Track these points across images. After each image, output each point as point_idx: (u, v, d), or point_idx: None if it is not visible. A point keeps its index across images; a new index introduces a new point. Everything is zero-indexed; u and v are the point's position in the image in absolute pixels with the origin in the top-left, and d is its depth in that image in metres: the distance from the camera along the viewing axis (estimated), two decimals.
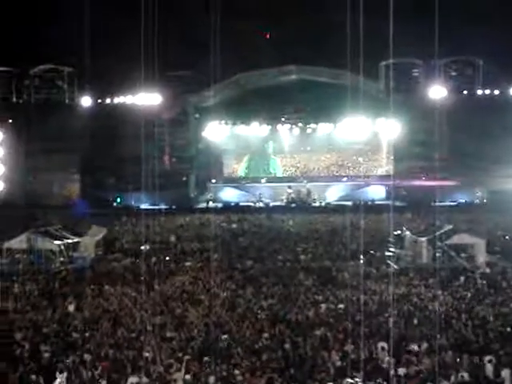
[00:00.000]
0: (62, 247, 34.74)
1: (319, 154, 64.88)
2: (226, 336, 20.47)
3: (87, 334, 21.10)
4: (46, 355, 19.24)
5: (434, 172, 54.68)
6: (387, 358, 18.15)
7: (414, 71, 60.18)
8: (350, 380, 16.41)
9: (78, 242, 36.05)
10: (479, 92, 59.30)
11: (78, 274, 31.13)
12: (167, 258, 34.19)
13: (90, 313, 23.69)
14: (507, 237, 38.40)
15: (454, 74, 59.58)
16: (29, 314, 23.94)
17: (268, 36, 63.29)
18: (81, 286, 28.21)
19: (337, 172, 64.48)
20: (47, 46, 57.58)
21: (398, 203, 55.49)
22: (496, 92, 58.87)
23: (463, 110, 56.33)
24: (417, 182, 58.22)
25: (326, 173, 64.90)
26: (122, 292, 26.89)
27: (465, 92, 59.38)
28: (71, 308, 24.57)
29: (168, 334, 20.97)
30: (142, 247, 35.98)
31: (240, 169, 65.61)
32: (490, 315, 22.69)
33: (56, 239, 35.02)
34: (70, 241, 35.73)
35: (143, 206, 55.81)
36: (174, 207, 56.07)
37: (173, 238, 40.83)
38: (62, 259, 34.32)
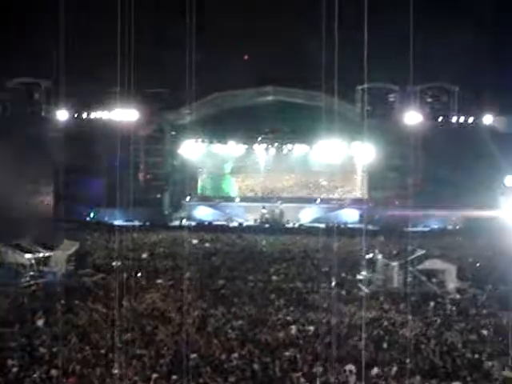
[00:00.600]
0: (33, 261, 34.39)
1: (294, 175, 65.10)
2: (195, 355, 20.41)
3: (55, 349, 20.92)
4: (14, 370, 19.07)
5: (408, 197, 55.06)
6: (355, 382, 18.21)
7: (390, 96, 60.59)
8: None
9: (49, 256, 35.68)
10: (454, 119, 59.86)
11: (48, 289, 30.92)
12: (139, 275, 34.01)
13: (59, 328, 23.50)
14: (478, 264, 38.68)
15: (429, 100, 60.08)
16: None
17: (246, 57, 63.63)
18: (50, 300, 27.98)
19: (311, 194, 64.65)
20: (24, 59, 57.45)
21: (370, 227, 55.77)
22: (470, 119, 59.50)
23: (438, 137, 56.89)
24: (390, 207, 58.54)
25: (300, 194, 65.08)
26: (92, 308, 26.71)
27: (440, 118, 59.89)
28: (40, 323, 24.36)
29: (137, 352, 20.87)
30: (114, 263, 35.86)
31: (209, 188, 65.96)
32: (459, 342, 22.84)
33: (27, 253, 34.68)
34: (41, 255, 35.38)
35: (117, 222, 55.64)
36: (147, 224, 55.94)
37: (145, 255, 40.65)
38: (32, 273, 33.95)
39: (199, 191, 65.35)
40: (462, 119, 59.61)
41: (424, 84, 58.93)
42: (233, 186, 65.24)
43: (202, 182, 65.68)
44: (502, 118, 58.36)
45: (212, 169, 65.48)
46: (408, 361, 20.11)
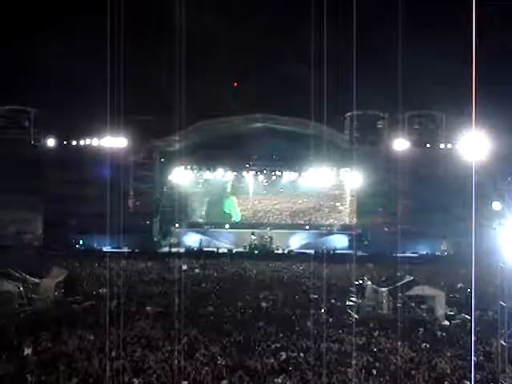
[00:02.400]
0: (22, 288, 34.19)
1: (283, 202, 65.32)
2: (185, 382, 20.35)
3: (43, 378, 20.80)
4: None
5: (396, 223, 55.27)
6: None
7: (378, 123, 60.92)
8: None
9: (37, 284, 35.49)
10: (441, 145, 60.19)
11: (36, 316, 30.78)
12: (128, 302, 33.88)
13: (48, 356, 23.39)
14: (469, 290, 38.68)
15: (417, 127, 60.44)
16: None
17: (236, 84, 64.04)
18: (39, 328, 27.88)
19: (300, 220, 64.80)
20: (13, 86, 57.67)
21: (360, 253, 55.93)
22: (458, 146, 59.82)
23: (426, 163, 57.29)
24: (379, 233, 58.72)
25: (289, 220, 65.25)
26: (81, 335, 26.60)
27: (428, 145, 60.21)
28: (28, 351, 24.21)
29: (126, 379, 20.78)
30: (103, 290, 35.74)
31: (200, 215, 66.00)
32: (448, 368, 22.87)
33: (15, 280, 34.49)
34: (29, 282, 35.19)
35: (106, 249, 55.58)
36: (136, 251, 55.83)
37: (134, 282, 40.53)
38: (20, 301, 33.76)
39: (188, 218, 65.37)
40: (449, 146, 59.91)
41: (412, 111, 59.38)
42: (222, 213, 65.28)
43: (192, 209, 65.71)
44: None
45: (201, 195, 65.60)
46: None
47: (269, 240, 59.85)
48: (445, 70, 54.81)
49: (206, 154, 61.52)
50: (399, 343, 25.81)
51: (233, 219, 65.81)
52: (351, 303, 33.82)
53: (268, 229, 61.55)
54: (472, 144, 59.16)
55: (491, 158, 55.33)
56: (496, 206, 53.33)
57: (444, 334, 28.46)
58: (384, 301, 32.72)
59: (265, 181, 64.51)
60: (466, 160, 55.56)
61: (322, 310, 31.87)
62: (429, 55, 57.19)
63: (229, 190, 65.77)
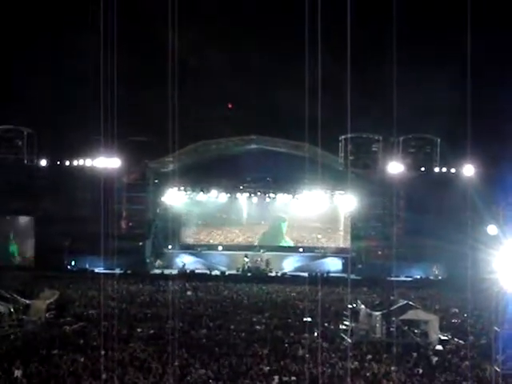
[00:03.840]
0: (12, 310, 33.93)
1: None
2: None
3: None
4: None
5: (390, 247, 55.17)
6: None
7: (373, 146, 61.01)
8: None
9: (28, 305, 35.23)
10: (436, 169, 60.28)
11: (27, 338, 30.52)
12: (120, 324, 33.60)
13: (38, 378, 23.12)
14: (465, 315, 38.59)
15: (412, 150, 60.55)
16: None
17: (231, 106, 64.19)
18: (29, 349, 27.62)
19: (294, 242, 64.65)
20: (7, 106, 57.71)
21: (353, 276, 55.82)
22: (452, 170, 59.96)
23: (420, 187, 57.34)
24: (373, 256, 58.69)
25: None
26: (72, 357, 26.32)
27: (422, 169, 60.32)
28: (18, 373, 23.92)
29: None
30: (95, 312, 35.48)
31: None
32: None
33: (6, 301, 34.22)
34: (20, 303, 34.94)
35: (98, 270, 55.34)
36: (128, 272, 55.60)
37: (126, 304, 40.27)
38: (11, 322, 33.47)
39: (181, 239, 65.16)
40: (444, 170, 60.02)
41: (406, 135, 59.53)
42: (215, 235, 65.06)
43: (184, 230, 65.51)
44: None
45: (194, 217, 65.44)
46: None
47: (262, 262, 59.70)
48: (440, 93, 55.10)
49: (199, 176, 61.43)
50: (392, 368, 25.60)
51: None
52: (344, 327, 33.64)
53: (261, 251, 61.40)
54: (467, 168, 59.54)
55: (486, 182, 55.48)
56: (491, 230, 53.41)
57: (438, 358, 28.24)
58: (377, 325, 32.55)
59: (258, 203, 64.27)
60: (460, 184, 55.76)
61: (316, 334, 31.68)
62: (424, 78, 57.49)
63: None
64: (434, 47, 60.78)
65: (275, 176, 62.08)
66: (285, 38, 59.50)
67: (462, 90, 56.10)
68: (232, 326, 33.86)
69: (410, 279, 56.54)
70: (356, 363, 26.66)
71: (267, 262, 59.71)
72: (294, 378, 24.10)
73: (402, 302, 33.95)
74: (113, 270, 54.67)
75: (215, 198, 63.62)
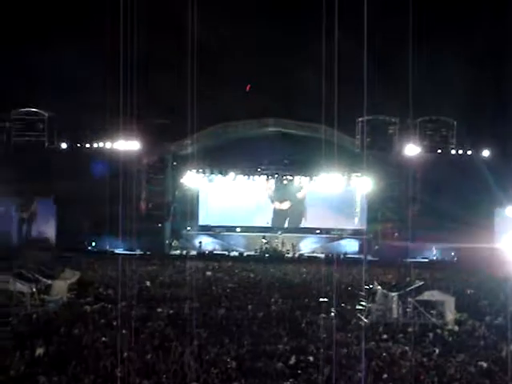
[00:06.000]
0: (34, 290, 34.49)
1: (293, 206, 65.35)
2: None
3: (55, 378, 21.02)
4: None
5: (407, 228, 55.26)
6: None
7: (390, 128, 60.96)
8: None
9: (50, 285, 35.79)
10: (453, 152, 60.26)
11: (48, 317, 31.06)
12: (139, 304, 34.10)
13: (59, 357, 23.62)
14: (479, 295, 38.73)
15: (428, 132, 60.50)
16: None
17: (248, 88, 64.26)
18: (51, 329, 28.15)
19: (311, 224, 64.76)
20: (29, 89, 58.16)
21: (370, 257, 56.05)
22: (469, 153, 59.89)
23: (436, 169, 57.34)
24: (389, 238, 58.87)
25: (300, 225, 65.24)
26: (93, 337, 26.82)
27: (439, 151, 60.29)
28: (40, 351, 24.44)
29: (137, 381, 20.97)
30: (115, 292, 35.99)
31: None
32: (458, 373, 22.91)
33: (28, 281, 34.79)
34: (42, 283, 35.50)
35: (118, 251, 55.88)
36: (148, 253, 56.07)
37: (145, 284, 40.74)
38: (33, 302, 34.05)
39: (200, 221, 65.49)
40: (460, 152, 59.99)
41: (423, 117, 59.46)
42: (233, 216, 65.32)
43: (203, 212, 65.83)
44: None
45: (213, 199, 65.69)
46: None
47: (280, 244, 60.09)
48: (458, 76, 54.89)
49: (217, 158, 61.65)
50: (408, 348, 25.88)
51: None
52: (361, 307, 33.93)
53: (279, 233, 61.73)
54: (483, 151, 59.49)
55: (502, 164, 55.35)
56: (510, 212, 53.42)
57: (454, 339, 28.50)
58: (394, 305, 32.83)
59: (276, 185, 64.43)
60: (477, 166, 55.69)
61: (332, 314, 31.99)
62: (442, 60, 57.29)
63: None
64: (454, 28, 60.51)
65: (292, 158, 62.23)
66: (302, 19, 59.48)
67: (480, 73, 56.06)
68: (250, 307, 34.22)
69: (426, 260, 56.72)
70: (372, 343, 26.96)
71: (282, 243, 60.11)
72: (310, 357, 24.42)
73: (419, 283, 34.20)
74: (132, 251, 55.23)
75: (233, 180, 63.85)
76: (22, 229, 59.52)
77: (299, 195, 64.76)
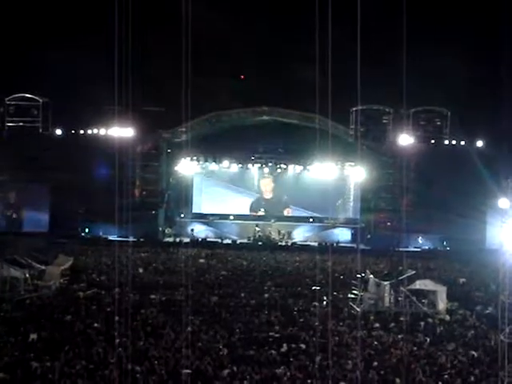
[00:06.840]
0: (27, 275, 34.54)
1: (286, 194, 65.49)
2: (187, 371, 20.62)
3: (48, 364, 21.09)
4: None
5: (399, 218, 55.47)
6: None
7: (383, 118, 61.10)
8: None
9: (43, 271, 35.85)
10: (446, 142, 60.43)
11: (42, 303, 31.13)
12: (133, 290, 34.16)
13: (52, 342, 23.69)
14: (470, 284, 38.94)
15: (422, 123, 60.65)
16: None
17: (243, 77, 64.27)
18: (44, 314, 28.23)
19: (304, 213, 64.91)
20: (24, 75, 58.03)
21: (362, 246, 56.27)
22: (462, 143, 60.04)
23: (430, 159, 57.52)
24: (382, 227, 59.15)
25: (293, 212, 65.40)
26: (85, 322, 26.91)
27: (432, 141, 60.46)
28: (33, 337, 24.51)
29: (129, 367, 21.04)
30: (108, 278, 36.07)
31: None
32: (448, 362, 23.07)
33: (21, 267, 34.82)
34: (35, 269, 35.53)
35: (111, 238, 55.96)
36: (142, 240, 56.16)
37: (139, 271, 40.83)
38: (26, 287, 34.10)
39: (194, 208, 65.59)
40: (453, 142, 60.15)
41: (417, 107, 59.55)
42: (227, 204, 65.44)
43: (197, 200, 65.92)
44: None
45: (206, 187, 65.78)
46: (398, 381, 20.40)
47: (273, 232, 60.26)
48: (452, 66, 54.97)
49: (212, 146, 61.73)
50: (400, 337, 26.03)
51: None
52: (353, 296, 34.08)
53: (272, 221, 61.90)
54: (477, 141, 59.65)
55: (495, 155, 55.49)
56: (503, 203, 53.62)
57: (445, 328, 28.65)
58: (386, 294, 32.95)
59: (269, 174, 64.59)
60: (470, 157, 55.84)
61: (325, 303, 32.15)
62: (436, 51, 57.34)
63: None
64: (447, 18, 60.52)
65: (286, 147, 62.39)
66: (296, 8, 59.40)
67: (474, 63, 56.12)
68: (242, 294, 34.36)
69: (418, 250, 56.96)
70: (364, 332, 27.09)
71: (276, 231, 60.30)
72: (302, 345, 24.55)
73: (411, 272, 34.32)
74: (126, 237, 55.31)
75: (227, 168, 63.93)
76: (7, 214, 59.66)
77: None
